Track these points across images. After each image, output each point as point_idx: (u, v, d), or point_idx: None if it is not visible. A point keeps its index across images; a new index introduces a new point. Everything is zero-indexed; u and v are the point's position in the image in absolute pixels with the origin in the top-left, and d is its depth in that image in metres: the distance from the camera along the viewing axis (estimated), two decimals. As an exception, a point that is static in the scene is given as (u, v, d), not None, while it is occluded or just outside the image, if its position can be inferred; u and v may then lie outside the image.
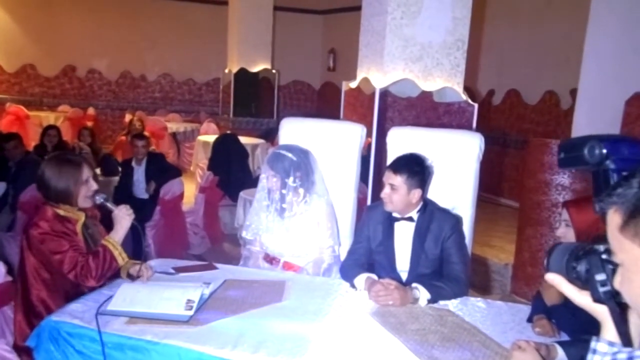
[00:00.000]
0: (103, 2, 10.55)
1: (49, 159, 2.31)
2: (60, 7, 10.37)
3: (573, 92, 5.86)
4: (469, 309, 2.16)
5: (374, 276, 2.27)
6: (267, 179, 2.67)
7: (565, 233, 2.01)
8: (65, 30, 10.43)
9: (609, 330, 0.89)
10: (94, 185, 2.30)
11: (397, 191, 2.32)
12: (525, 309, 2.14)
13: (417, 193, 2.33)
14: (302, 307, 2.06)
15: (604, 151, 1.38)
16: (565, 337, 1.89)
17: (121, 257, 2.18)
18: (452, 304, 2.19)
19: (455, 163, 2.78)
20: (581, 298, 0.91)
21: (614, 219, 0.80)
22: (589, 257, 0.89)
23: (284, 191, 2.63)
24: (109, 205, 2.30)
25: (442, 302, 2.19)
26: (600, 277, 0.86)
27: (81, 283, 2.13)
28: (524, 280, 4.17)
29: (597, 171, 1.42)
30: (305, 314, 2.00)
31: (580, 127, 4.11)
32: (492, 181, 6.94)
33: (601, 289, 0.86)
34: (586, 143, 1.43)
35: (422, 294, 2.15)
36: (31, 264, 2.19)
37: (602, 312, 0.89)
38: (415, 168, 2.34)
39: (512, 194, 6.90)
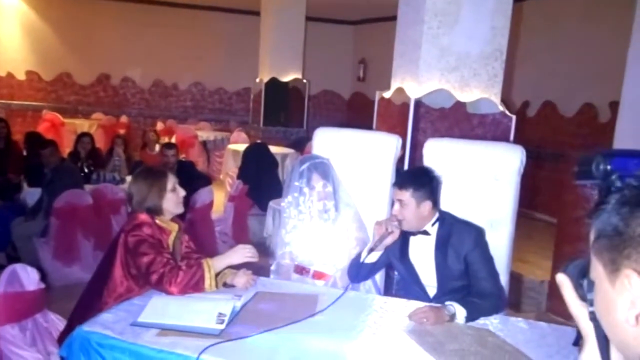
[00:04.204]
0: (137, 12, 10.75)
1: (135, 177, 2.40)
2: (96, 18, 10.61)
3: (612, 105, 5.69)
4: (510, 329, 2.07)
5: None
6: (323, 188, 2.63)
7: None
8: (101, 40, 10.65)
9: (589, 351, 0.84)
10: (181, 192, 2.38)
11: (406, 207, 2.29)
12: (571, 332, 2.03)
13: (427, 205, 2.30)
14: (335, 323, 2.00)
15: (608, 167, 1.38)
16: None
17: (209, 282, 2.15)
18: (492, 324, 2.10)
19: (495, 176, 2.69)
20: (578, 309, 0.87)
21: (591, 235, 0.80)
22: (589, 275, 0.86)
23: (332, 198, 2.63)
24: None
25: (481, 322, 2.10)
26: (591, 295, 0.83)
27: (162, 286, 2.10)
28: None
29: (602, 187, 1.41)
30: (339, 330, 1.94)
31: (623, 140, 3.96)
32: (526, 195, 6.74)
33: (590, 308, 0.83)
34: (595, 157, 1.43)
35: (457, 309, 2.07)
36: (119, 272, 2.24)
37: (588, 330, 0.85)
38: (421, 180, 2.32)
39: (547, 209, 6.71)
